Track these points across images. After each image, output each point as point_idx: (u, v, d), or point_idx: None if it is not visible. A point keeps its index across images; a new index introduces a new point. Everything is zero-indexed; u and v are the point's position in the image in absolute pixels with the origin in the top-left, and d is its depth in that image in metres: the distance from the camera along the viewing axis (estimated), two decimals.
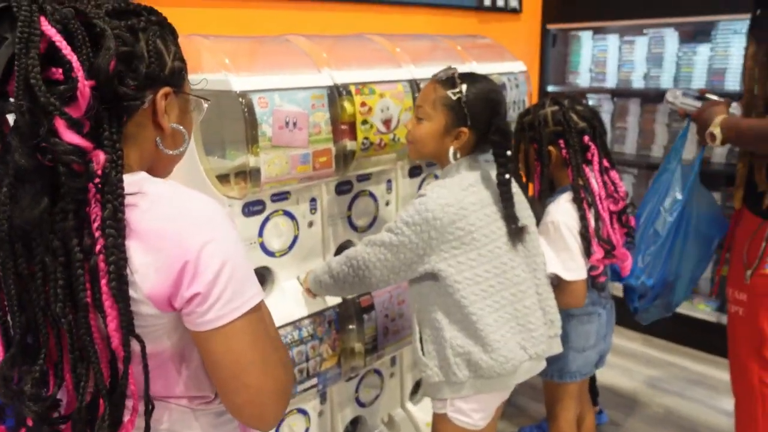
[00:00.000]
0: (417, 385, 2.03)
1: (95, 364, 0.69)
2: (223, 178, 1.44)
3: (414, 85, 1.68)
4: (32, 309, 0.69)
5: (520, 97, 2.07)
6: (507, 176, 1.32)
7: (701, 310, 2.66)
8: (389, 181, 1.77)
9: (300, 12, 1.90)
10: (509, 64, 2.07)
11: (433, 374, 1.34)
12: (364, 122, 1.53)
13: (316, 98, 1.43)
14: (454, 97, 1.29)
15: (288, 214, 1.52)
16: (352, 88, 1.51)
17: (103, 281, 0.67)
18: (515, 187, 1.37)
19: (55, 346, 0.70)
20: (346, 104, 1.51)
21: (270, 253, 1.49)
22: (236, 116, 1.32)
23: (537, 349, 1.35)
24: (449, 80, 1.32)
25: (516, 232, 1.33)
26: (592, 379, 1.94)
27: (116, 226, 0.66)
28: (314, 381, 1.55)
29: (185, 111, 0.82)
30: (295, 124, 1.38)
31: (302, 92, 1.41)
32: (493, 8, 2.58)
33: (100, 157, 0.67)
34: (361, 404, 1.83)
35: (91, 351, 0.69)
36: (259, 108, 1.32)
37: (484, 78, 1.36)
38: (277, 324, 1.43)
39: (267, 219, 1.47)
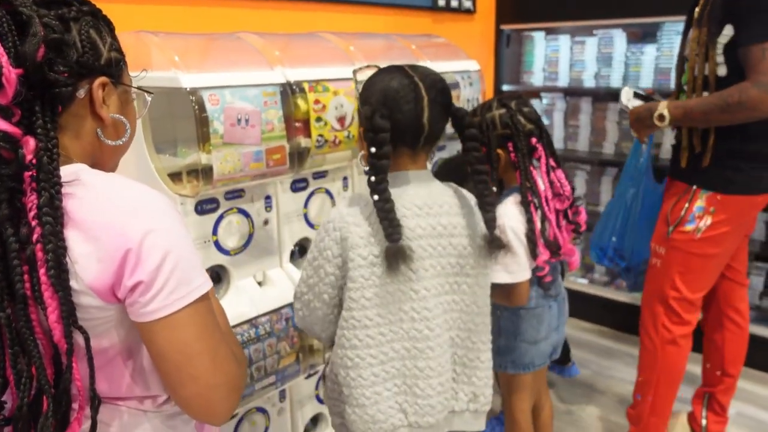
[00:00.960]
0: None
1: (36, 358, 0.68)
2: (175, 177, 1.43)
3: None
4: None
5: (474, 95, 2.10)
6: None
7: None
8: (345, 178, 1.78)
9: (253, 10, 1.89)
10: (463, 62, 2.10)
11: (326, 401, 1.28)
12: (318, 119, 1.54)
13: (268, 95, 1.43)
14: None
15: (242, 212, 1.51)
16: (306, 86, 1.52)
17: (42, 270, 0.66)
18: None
19: None
20: (300, 102, 1.51)
21: (225, 252, 1.49)
22: (187, 114, 1.31)
23: (424, 419, 1.16)
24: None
25: (490, 249, 1.17)
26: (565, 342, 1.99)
27: (53, 214, 0.66)
28: (272, 379, 1.55)
29: (126, 102, 0.82)
30: (247, 121, 1.38)
31: (254, 89, 1.41)
32: (448, 8, 2.61)
33: (31, 143, 0.66)
34: (321, 401, 1.84)
35: (32, 345, 0.68)
36: (210, 105, 1.32)
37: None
38: (233, 322, 1.44)
39: (221, 217, 1.46)
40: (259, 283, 1.58)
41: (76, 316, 0.69)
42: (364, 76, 1.22)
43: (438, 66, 1.98)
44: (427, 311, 1.14)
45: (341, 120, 1.60)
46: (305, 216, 1.68)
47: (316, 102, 1.54)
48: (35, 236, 0.65)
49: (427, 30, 2.53)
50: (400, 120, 1.09)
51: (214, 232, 1.46)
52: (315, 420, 1.86)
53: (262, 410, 1.66)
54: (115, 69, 0.78)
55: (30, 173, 0.66)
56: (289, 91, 1.49)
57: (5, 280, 0.66)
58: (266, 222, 1.57)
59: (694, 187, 1.68)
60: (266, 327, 1.52)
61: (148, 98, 0.88)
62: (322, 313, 1.19)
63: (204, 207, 1.42)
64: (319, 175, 1.70)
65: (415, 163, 1.17)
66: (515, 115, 1.51)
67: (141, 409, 0.80)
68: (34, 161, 0.66)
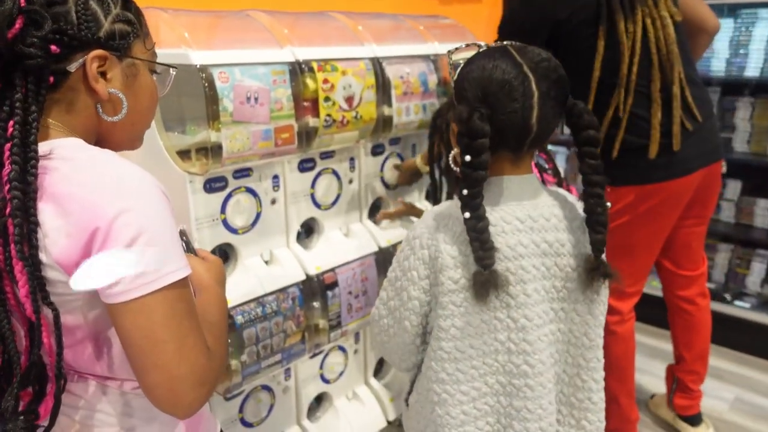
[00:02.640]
0: (381, 362, 2.06)
1: (6, 330, 0.68)
2: (183, 155, 1.43)
3: (376, 63, 1.68)
4: None
5: None
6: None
7: (654, 287, 2.75)
8: (352, 159, 1.78)
9: None
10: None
11: (406, 427, 1.17)
12: (327, 99, 1.54)
13: (277, 74, 1.43)
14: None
15: (250, 191, 1.51)
16: (315, 65, 1.51)
17: (12, 245, 0.65)
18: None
19: None
20: (309, 81, 1.51)
21: (233, 230, 1.49)
22: (196, 91, 1.31)
23: None
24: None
25: (590, 276, 1.00)
26: None
27: (23, 189, 0.65)
28: (278, 357, 1.56)
29: (132, 76, 0.78)
30: (256, 99, 1.38)
31: (263, 68, 1.40)
32: None
33: (9, 120, 0.66)
34: (326, 381, 1.85)
35: (2, 317, 0.68)
36: (220, 83, 1.31)
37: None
38: (240, 300, 1.45)
39: (229, 196, 1.47)
40: (266, 262, 1.58)
41: (47, 292, 0.68)
42: (462, 56, 1.00)
43: (446, 48, 1.97)
44: (527, 344, 0.98)
45: (349, 100, 1.60)
46: (312, 196, 1.68)
47: (325, 81, 1.53)
48: (8, 209, 0.65)
49: (434, 11, 2.51)
50: (503, 121, 0.92)
51: (222, 210, 1.46)
52: (319, 399, 1.88)
53: (267, 388, 1.67)
54: (120, 42, 0.75)
55: (9, 145, 0.65)
56: (298, 70, 1.48)
57: None
58: (274, 201, 1.57)
59: None
60: (273, 306, 1.53)
61: (173, 73, 0.85)
62: (402, 342, 1.06)
63: (212, 185, 1.42)
64: (327, 155, 1.69)
65: (517, 168, 1.00)
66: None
67: (121, 390, 0.80)
68: (11, 133, 0.65)
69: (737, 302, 2.57)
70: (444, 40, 2.02)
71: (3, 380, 0.70)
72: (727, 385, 2.33)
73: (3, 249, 0.65)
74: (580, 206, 1.04)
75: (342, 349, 1.88)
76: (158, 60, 0.84)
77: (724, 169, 1.81)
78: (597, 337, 1.05)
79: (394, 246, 1.85)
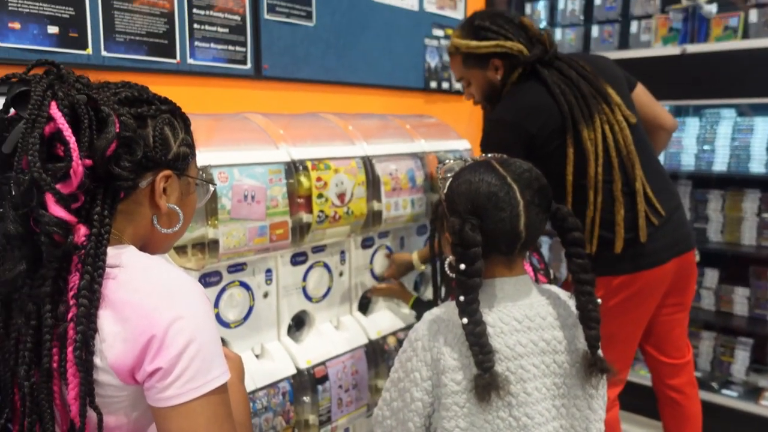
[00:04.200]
0: None
1: (50, 428, 0.70)
2: (180, 250, 1.45)
3: (367, 161, 1.77)
4: (3, 368, 0.70)
5: None
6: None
7: (643, 376, 2.76)
8: (343, 252, 1.82)
9: (255, 91, 1.99)
10: (454, 142, 2.20)
11: None
12: (320, 196, 1.60)
13: (273, 173, 1.50)
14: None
15: (244, 285, 1.54)
16: (309, 164, 1.59)
17: (69, 349, 0.69)
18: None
19: (19, 407, 0.71)
20: (303, 179, 1.58)
21: (225, 325, 1.50)
22: None
23: None
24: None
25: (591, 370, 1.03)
26: None
27: (90, 297, 0.69)
28: None
29: (186, 193, 0.86)
30: (253, 197, 1.43)
31: (260, 167, 1.47)
32: (439, 89, 2.75)
33: (81, 231, 0.71)
34: None
35: (47, 416, 0.70)
36: (220, 183, 1.37)
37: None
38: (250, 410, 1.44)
39: (223, 290, 1.49)
40: (257, 356, 1.58)
41: (94, 396, 0.71)
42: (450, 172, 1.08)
43: (431, 145, 2.08)
44: None
45: (341, 196, 1.66)
46: (303, 289, 1.71)
47: (318, 179, 1.60)
48: (70, 315, 0.69)
49: (419, 110, 2.65)
50: (493, 230, 0.98)
51: (216, 305, 1.48)
52: None
53: None
54: (182, 162, 0.84)
55: (78, 255, 0.70)
56: (293, 169, 1.55)
57: (35, 353, 0.68)
58: (266, 295, 1.60)
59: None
60: (263, 401, 1.52)
61: (212, 188, 0.94)
62: None
63: (208, 280, 1.45)
64: (318, 249, 1.74)
65: (510, 270, 1.05)
66: None
67: None
68: (83, 244, 0.70)
69: (724, 391, 2.58)
70: (429, 137, 2.13)
71: None
72: None
73: (59, 353, 0.68)
74: (572, 303, 1.08)
75: None
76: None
77: (697, 258, 1.88)
78: (598, 431, 1.07)
79: (384, 338, 1.86)
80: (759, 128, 2.55)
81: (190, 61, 1.76)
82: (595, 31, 2.94)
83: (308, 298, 1.72)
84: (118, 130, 0.73)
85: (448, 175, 1.08)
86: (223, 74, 1.85)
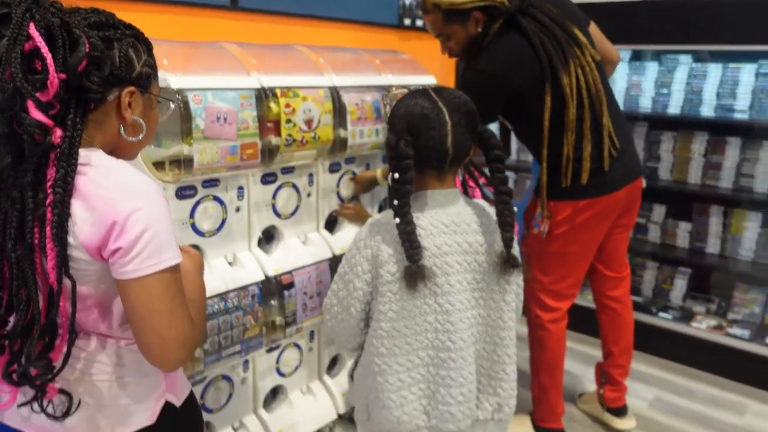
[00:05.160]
0: (334, 360, 2.25)
1: (33, 293, 0.87)
2: (158, 165, 1.62)
3: (334, 91, 1.92)
4: None
5: None
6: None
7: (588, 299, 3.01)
8: (311, 174, 2.00)
9: (231, 21, 2.11)
10: (421, 77, 2.34)
11: (350, 397, 1.40)
12: (288, 121, 1.76)
13: (244, 98, 1.65)
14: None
15: (217, 199, 1.72)
16: (278, 91, 1.74)
17: (48, 227, 0.85)
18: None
19: (7, 276, 0.88)
20: (272, 105, 1.73)
21: (200, 233, 1.69)
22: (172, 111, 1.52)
23: (445, 425, 1.23)
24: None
25: (504, 266, 1.21)
26: None
27: (64, 187, 0.85)
28: (237, 347, 1.75)
29: (149, 108, 1.02)
30: (225, 119, 1.59)
31: (232, 92, 1.62)
32: (413, 27, 2.86)
33: (57, 132, 0.87)
34: (282, 374, 2.04)
35: (31, 282, 0.87)
36: (194, 104, 1.53)
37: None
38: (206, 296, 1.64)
39: (198, 202, 1.67)
40: (230, 264, 1.78)
41: (68, 266, 0.88)
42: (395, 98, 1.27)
43: (398, 79, 2.22)
44: (450, 324, 1.19)
45: (309, 122, 1.82)
46: (273, 206, 1.89)
47: (287, 106, 1.76)
48: (48, 201, 0.85)
49: (392, 46, 2.77)
50: (424, 146, 1.14)
51: (191, 215, 1.66)
52: (275, 391, 2.07)
53: (227, 378, 1.86)
54: (145, 81, 0.98)
55: (55, 153, 0.86)
56: (264, 95, 1.71)
57: (20, 231, 0.86)
58: (238, 209, 1.78)
59: (535, 196, 1.99)
60: (234, 301, 1.73)
61: (172, 106, 1.09)
62: (348, 325, 1.26)
63: (183, 193, 1.63)
64: (287, 170, 1.91)
65: (441, 183, 1.22)
66: None
67: (117, 345, 1.00)
68: (59, 144, 0.86)
69: (661, 314, 2.85)
70: (398, 73, 2.26)
71: (23, 334, 0.89)
72: (648, 386, 2.59)
73: (39, 231, 0.85)
74: (493, 213, 1.27)
75: (297, 346, 2.08)
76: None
77: (643, 184, 2.09)
78: (509, 320, 1.28)
79: None
80: (712, 74, 2.70)
81: None
82: None
83: (277, 214, 1.91)
84: (87, 50, 0.87)
85: (390, 102, 1.25)
86: (200, 4, 1.97)
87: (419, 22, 2.89)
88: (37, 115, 0.84)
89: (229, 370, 1.85)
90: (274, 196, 1.89)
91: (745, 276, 2.79)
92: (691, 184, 2.84)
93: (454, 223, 1.21)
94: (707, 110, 2.72)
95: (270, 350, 1.96)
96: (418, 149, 1.15)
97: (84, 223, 0.87)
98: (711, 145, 2.78)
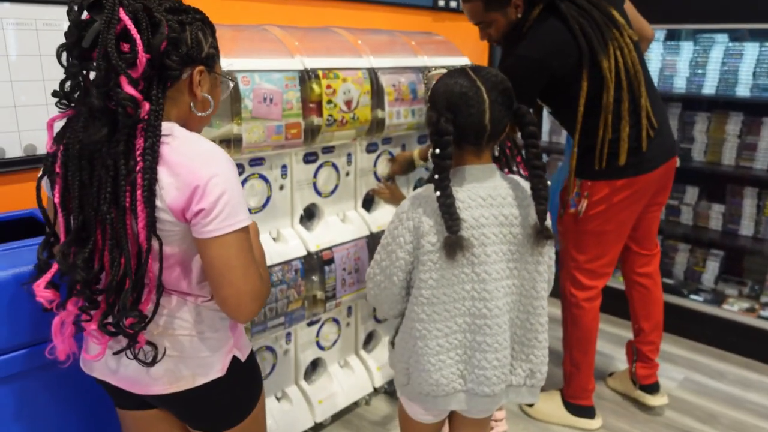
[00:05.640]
0: (370, 336, 2.33)
1: (125, 251, 0.96)
2: None
3: (372, 72, 1.97)
4: (87, 209, 0.96)
5: None
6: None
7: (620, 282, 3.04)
8: (349, 154, 2.06)
9: (275, 5, 2.16)
10: (456, 58, 2.37)
11: (391, 362, 1.46)
12: (329, 102, 1.82)
13: (289, 79, 1.71)
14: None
15: (263, 177, 1.79)
16: (320, 73, 1.80)
17: (138, 191, 0.94)
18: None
19: (100, 237, 0.97)
20: (314, 86, 1.79)
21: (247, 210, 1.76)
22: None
23: (480, 388, 1.29)
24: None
25: (538, 237, 1.27)
26: None
27: (152, 155, 0.94)
28: (281, 320, 1.83)
29: (214, 86, 1.10)
30: (271, 100, 1.66)
31: (278, 74, 1.69)
32: (447, 8, 2.88)
33: (146, 106, 0.95)
34: (321, 347, 2.12)
35: (124, 241, 0.96)
36: (242, 85, 1.59)
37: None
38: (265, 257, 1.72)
39: (245, 180, 1.74)
40: (274, 239, 1.86)
41: (156, 227, 0.97)
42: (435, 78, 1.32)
43: (433, 61, 2.26)
44: (486, 292, 1.25)
45: (348, 103, 1.88)
46: (314, 185, 1.96)
47: (328, 87, 1.81)
48: (138, 167, 0.93)
49: (427, 28, 2.80)
50: (463, 123, 1.20)
51: None
52: (315, 364, 2.15)
53: (271, 349, 1.95)
54: (211, 61, 1.07)
55: (142, 125, 0.94)
56: (306, 77, 1.76)
57: (114, 195, 0.94)
58: (282, 187, 1.85)
59: (572, 176, 2.01)
60: (278, 275, 1.80)
61: (231, 84, 1.17)
62: (391, 293, 1.33)
63: None
64: (328, 150, 1.97)
65: (479, 159, 1.28)
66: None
67: (194, 303, 1.09)
68: (146, 117, 0.94)
69: (692, 296, 2.86)
70: (433, 54, 2.30)
71: (117, 289, 0.97)
72: (678, 367, 2.61)
73: (131, 195, 0.94)
74: (527, 187, 1.32)
75: (336, 321, 2.16)
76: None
77: (678, 164, 2.10)
78: (542, 290, 1.32)
79: (383, 231, 2.12)
80: (748, 53, 2.68)
81: None
82: None
83: (318, 193, 1.98)
84: (167, 32, 0.96)
85: (433, 81, 1.30)
86: None
87: (453, 3, 2.91)
88: (129, 89, 0.93)
89: (273, 341, 1.94)
90: (315, 175, 1.96)
91: None
92: (725, 165, 2.82)
93: (491, 196, 1.27)
94: (743, 90, 2.70)
95: (310, 324, 2.04)
96: (457, 126, 1.20)
97: (170, 188, 0.96)
98: (746, 126, 2.76)
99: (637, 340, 2.29)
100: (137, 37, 0.92)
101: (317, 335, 2.10)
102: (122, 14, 0.92)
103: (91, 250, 0.98)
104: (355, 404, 2.25)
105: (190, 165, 0.96)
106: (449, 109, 1.21)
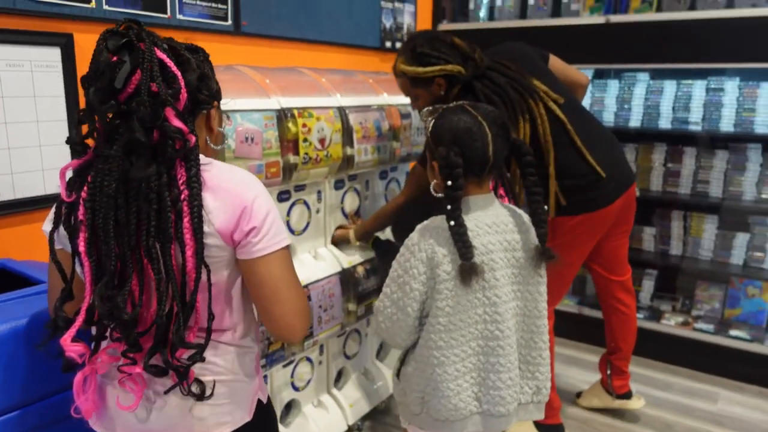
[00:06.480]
0: (340, 373, 2.31)
1: (173, 282, 0.93)
2: None
3: (342, 111, 2.01)
4: (123, 248, 0.92)
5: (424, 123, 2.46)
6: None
7: (567, 304, 3.19)
8: (319, 191, 2.07)
9: (235, 46, 2.17)
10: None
11: (399, 394, 1.45)
12: (305, 140, 1.83)
13: (267, 119, 1.72)
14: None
15: None
16: (296, 112, 1.81)
17: (186, 219, 0.92)
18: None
19: (136, 275, 0.94)
20: (290, 125, 1.80)
21: None
22: None
23: (496, 408, 1.33)
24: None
25: (538, 259, 1.34)
26: None
27: (197, 183, 0.94)
28: (263, 362, 1.79)
29: (220, 119, 1.12)
30: (252, 139, 1.65)
31: (257, 113, 1.69)
32: (393, 49, 2.99)
33: (192, 138, 0.94)
34: (296, 388, 2.08)
35: (171, 272, 0.93)
36: (226, 125, 1.58)
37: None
38: None
39: None
40: None
41: (204, 255, 0.95)
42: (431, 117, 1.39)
43: (393, 99, 2.34)
44: (498, 315, 1.31)
45: (322, 141, 1.90)
46: (288, 223, 1.95)
47: (304, 125, 1.83)
48: (182, 196, 0.92)
49: (376, 67, 2.89)
50: (469, 156, 1.27)
51: None
52: (288, 406, 2.10)
53: (309, 359, 1.98)
54: (220, 97, 1.09)
55: (179, 156, 0.94)
56: (283, 116, 1.78)
57: (157, 227, 0.92)
58: None
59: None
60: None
61: (227, 120, 1.17)
62: (405, 324, 1.34)
63: None
64: (299, 187, 1.98)
65: (481, 189, 1.35)
66: None
67: (217, 342, 1.05)
68: (191, 147, 0.95)
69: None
70: (391, 92, 2.38)
71: (165, 325, 0.93)
72: (630, 383, 2.76)
73: (175, 224, 0.91)
74: (523, 214, 1.41)
75: (309, 359, 2.12)
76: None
77: (637, 193, 2.23)
78: (543, 309, 1.40)
79: (354, 267, 2.14)
80: (667, 90, 2.96)
81: (179, 16, 1.92)
82: None
83: (291, 231, 1.97)
84: (197, 68, 0.98)
85: (429, 117, 1.37)
86: (207, 29, 2.02)
87: (398, 45, 3.02)
88: (177, 123, 0.93)
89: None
90: (288, 213, 1.95)
91: (705, 274, 3.03)
92: (653, 191, 3.07)
93: (495, 223, 1.33)
94: (665, 123, 2.97)
95: (286, 365, 2.00)
96: (464, 159, 1.27)
97: (217, 212, 0.96)
98: (669, 155, 3.03)
99: (615, 356, 2.40)
100: (177, 73, 0.93)
101: (292, 376, 2.06)
102: (159, 53, 0.92)
103: (130, 289, 0.94)
104: None
105: (234, 189, 0.98)
106: (456, 143, 1.28)
